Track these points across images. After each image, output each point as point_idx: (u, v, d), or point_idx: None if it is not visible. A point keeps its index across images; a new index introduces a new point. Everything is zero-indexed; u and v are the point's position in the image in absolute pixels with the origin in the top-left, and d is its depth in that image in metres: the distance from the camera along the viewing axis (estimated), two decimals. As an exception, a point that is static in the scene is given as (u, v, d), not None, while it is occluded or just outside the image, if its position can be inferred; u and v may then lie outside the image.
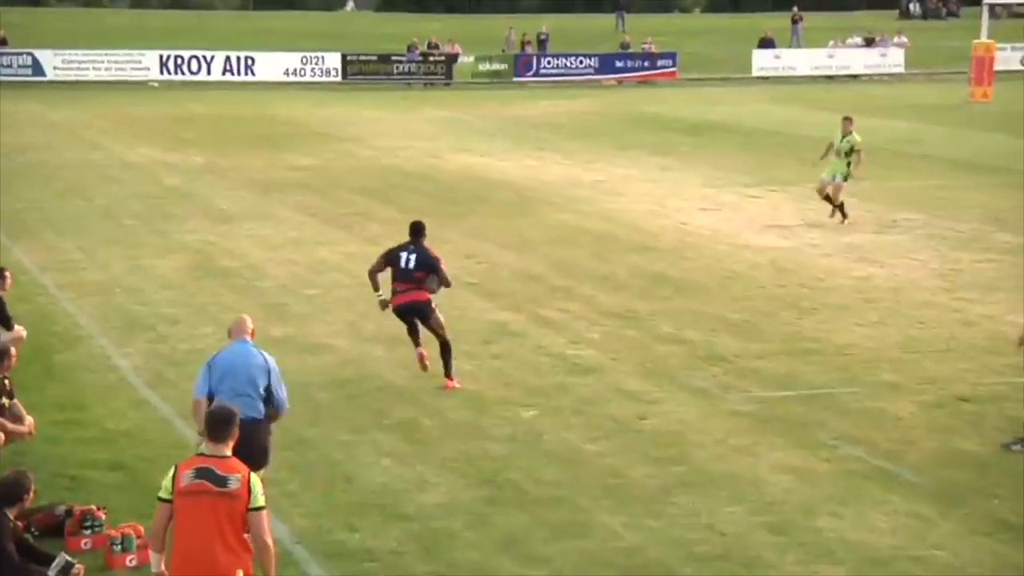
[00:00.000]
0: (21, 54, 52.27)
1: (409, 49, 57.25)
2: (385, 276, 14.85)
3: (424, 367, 14.64)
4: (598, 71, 58.31)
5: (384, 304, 14.90)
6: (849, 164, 23.49)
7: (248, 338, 10.76)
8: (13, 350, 12.46)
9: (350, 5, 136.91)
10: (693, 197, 27.33)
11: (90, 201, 25.80)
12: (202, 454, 8.05)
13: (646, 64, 58.76)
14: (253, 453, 9.41)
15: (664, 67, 58.61)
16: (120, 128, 38.09)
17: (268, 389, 10.46)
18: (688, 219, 24.68)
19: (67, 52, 53.54)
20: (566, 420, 13.60)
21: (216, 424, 8.01)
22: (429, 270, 14.62)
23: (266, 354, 10.68)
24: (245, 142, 35.19)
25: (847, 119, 23.85)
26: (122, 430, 13.12)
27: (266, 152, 33.45)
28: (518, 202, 26.81)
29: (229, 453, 8.00)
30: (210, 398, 10.24)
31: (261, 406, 10.44)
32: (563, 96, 51.13)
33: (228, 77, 54.02)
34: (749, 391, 14.58)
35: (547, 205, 26.46)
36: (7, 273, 15.08)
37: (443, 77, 56.77)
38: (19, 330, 14.84)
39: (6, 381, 12.10)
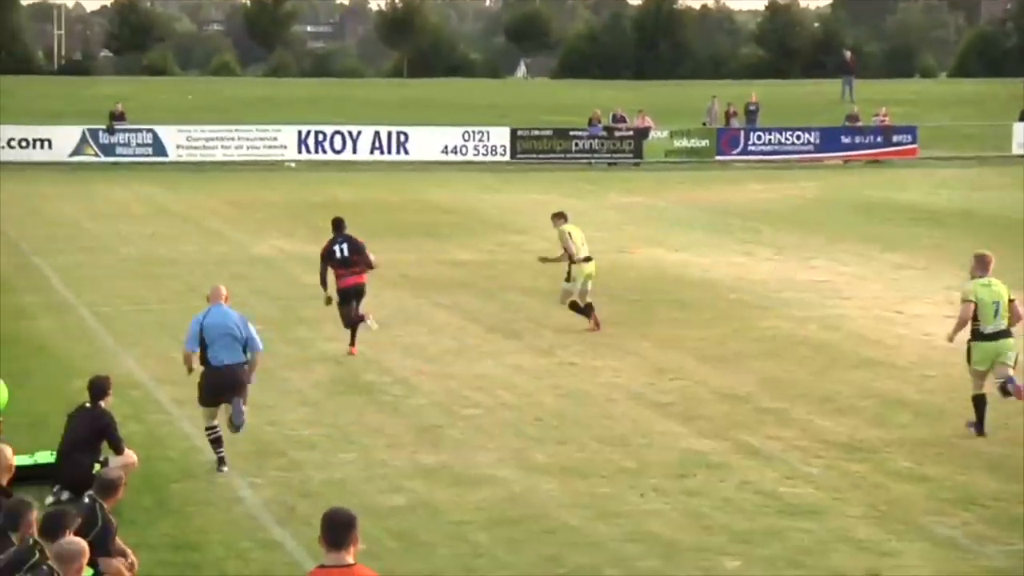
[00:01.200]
0: (140, 131, 54.37)
1: (590, 122, 57.90)
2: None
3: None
4: (819, 148, 58.09)
5: (328, 301, 21.85)
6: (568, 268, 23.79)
7: (223, 303, 16.43)
8: (123, 477, 12.79)
9: (521, 71, 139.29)
10: (937, 302, 26.85)
11: (214, 302, 26.52)
12: (323, 566, 8.32)
13: (879, 140, 58.31)
14: (238, 387, 16.20)
15: (901, 143, 58.08)
16: (249, 216, 39.19)
17: (246, 340, 16.22)
18: (931, 328, 24.23)
19: (192, 128, 55.56)
20: (779, 573, 13.38)
21: (335, 529, 8.38)
22: (359, 252, 21.80)
23: (239, 313, 16.49)
24: (395, 232, 35.85)
25: (556, 215, 24.43)
26: (246, 575, 13.32)
27: (420, 244, 34.02)
28: (721, 306, 26.70)
29: (352, 560, 8.32)
30: (202, 352, 16.22)
31: (243, 354, 16.27)
32: (776, 178, 50.98)
33: (377, 156, 55.34)
34: (1010, 543, 14.15)
35: (756, 310, 26.28)
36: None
37: (631, 155, 57.19)
38: (130, 455, 15.24)
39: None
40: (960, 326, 17.86)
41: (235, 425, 16.34)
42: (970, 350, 17.88)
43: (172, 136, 54.42)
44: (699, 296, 27.70)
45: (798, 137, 58.41)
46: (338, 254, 21.86)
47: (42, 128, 54.38)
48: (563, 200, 44.21)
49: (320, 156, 54.94)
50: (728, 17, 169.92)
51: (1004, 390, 17.72)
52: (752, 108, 62.54)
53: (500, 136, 56.70)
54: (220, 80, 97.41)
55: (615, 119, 58.98)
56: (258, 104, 71.94)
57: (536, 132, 57.58)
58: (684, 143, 57.90)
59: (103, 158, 52.89)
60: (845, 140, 58.41)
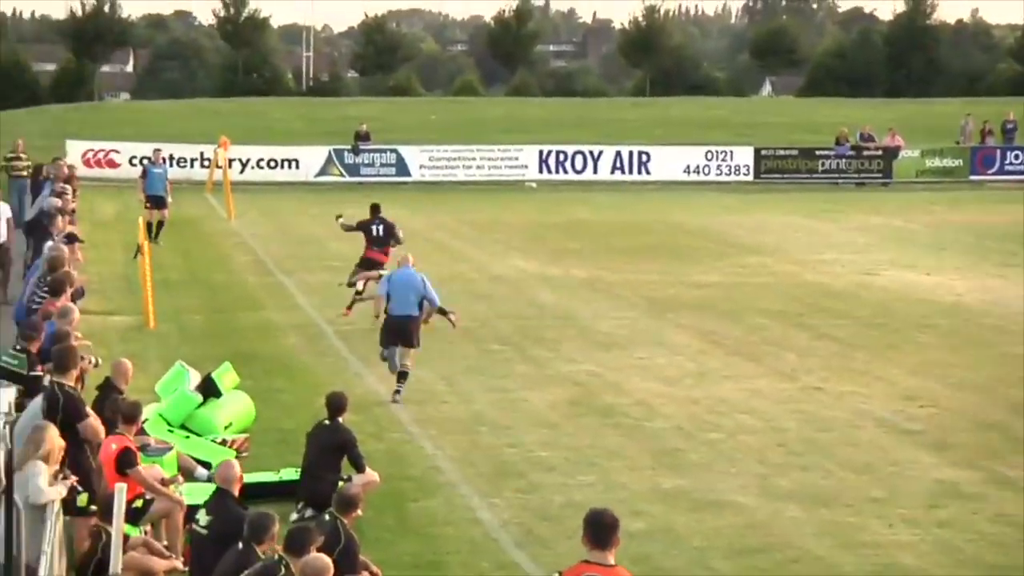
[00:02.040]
0: (384, 151, 55.43)
1: (837, 141, 57.08)
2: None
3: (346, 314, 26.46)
4: (1081, 167, 56.29)
5: (338, 217, 27.66)
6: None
7: (411, 266, 21.37)
8: (361, 494, 13.02)
9: (767, 88, 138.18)
10: None
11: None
12: (587, 561, 8.87)
13: None
14: (410, 338, 20.71)
15: None
16: (489, 236, 39.62)
17: (422, 298, 20.94)
18: None
19: (435, 148, 56.40)
20: (1035, 612, 12.97)
21: (600, 529, 9.05)
22: (390, 234, 26.99)
23: (422, 275, 21.18)
24: (636, 253, 35.86)
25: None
26: (484, 595, 13.43)
27: (661, 265, 33.97)
28: (973, 331, 26.06)
29: (614, 561, 8.92)
30: (388, 298, 20.99)
31: (417, 308, 20.87)
32: (1034, 198, 49.57)
33: (618, 176, 55.39)
34: None
35: (1011, 335, 25.59)
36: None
37: (879, 175, 56.20)
38: (371, 473, 15.49)
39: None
40: None
41: (398, 370, 20.70)
42: None
43: (415, 156, 55.30)
44: (951, 321, 27.08)
45: (1057, 154, 56.78)
46: (374, 232, 26.99)
47: (289, 148, 55.80)
48: (808, 221, 43.67)
49: (561, 176, 55.20)
50: (985, 32, 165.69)
51: None
52: (1010, 126, 60.82)
53: (744, 156, 56.27)
54: (463, 100, 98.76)
55: (863, 138, 58.00)
56: (500, 124, 72.73)
57: (781, 151, 56.97)
58: (936, 162, 56.69)
59: (348, 178, 53.94)
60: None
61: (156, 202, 36.66)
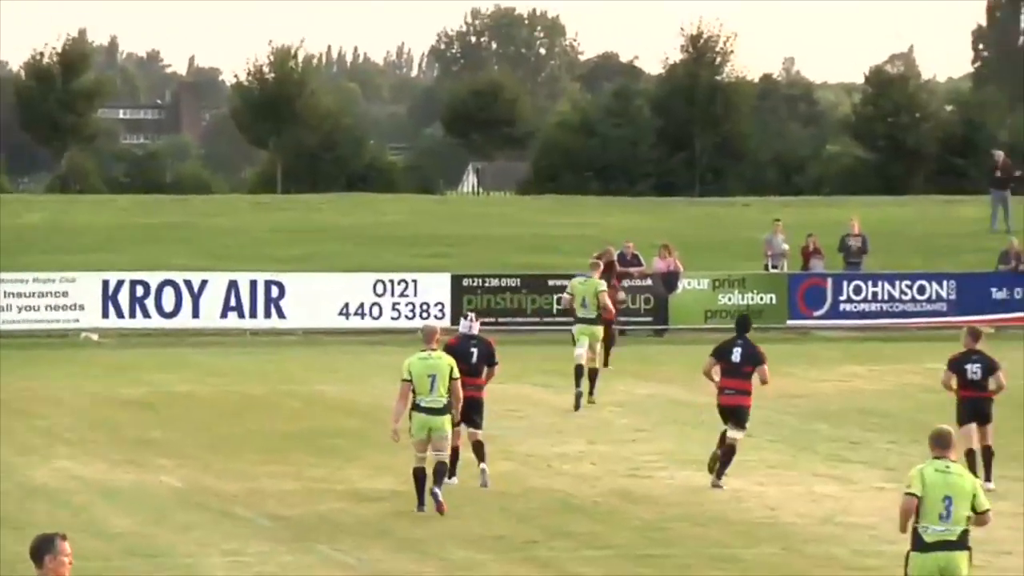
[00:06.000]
0: None
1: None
2: None
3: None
4: (955, 307, 57.94)
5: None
6: None
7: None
8: None
9: (470, 181, 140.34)
10: None
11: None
12: None
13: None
14: None
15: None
16: (21, 423, 39.12)
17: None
18: None
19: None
20: None
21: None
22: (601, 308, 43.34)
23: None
24: (264, 446, 35.79)
25: None
26: None
27: (306, 467, 33.96)
28: (799, 567, 26.75)
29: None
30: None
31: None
32: (883, 356, 50.81)
33: (232, 320, 55.41)
34: None
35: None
36: None
37: (649, 319, 56.98)
38: None
39: None
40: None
41: None
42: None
43: None
44: (761, 550, 27.64)
45: (920, 289, 58.18)
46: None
47: None
48: (538, 393, 43.94)
49: (139, 322, 54.80)
50: (806, 95, 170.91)
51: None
52: (852, 242, 61.04)
53: (435, 287, 56.40)
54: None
55: (624, 260, 58.07)
56: (38, 238, 72.17)
57: (492, 281, 56.94)
58: (735, 298, 57.01)
59: None
60: (998, 294, 58.13)
61: None
